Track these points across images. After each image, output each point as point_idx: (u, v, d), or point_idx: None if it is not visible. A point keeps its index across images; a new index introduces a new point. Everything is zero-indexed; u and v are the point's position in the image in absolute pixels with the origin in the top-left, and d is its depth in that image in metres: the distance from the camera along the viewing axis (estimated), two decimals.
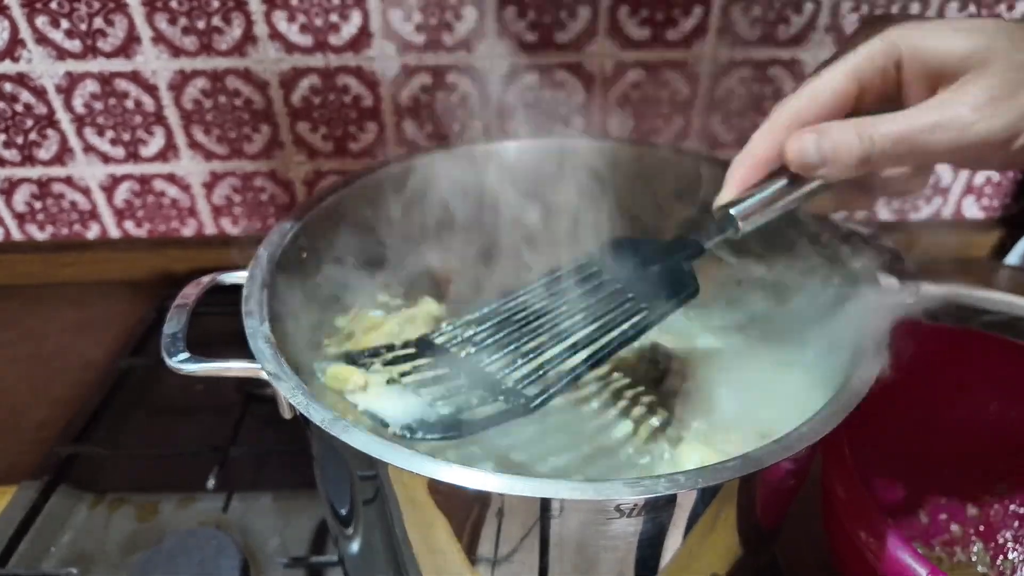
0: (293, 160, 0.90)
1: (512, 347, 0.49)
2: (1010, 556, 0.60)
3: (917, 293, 0.53)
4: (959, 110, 0.39)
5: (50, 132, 0.87)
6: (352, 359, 0.54)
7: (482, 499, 0.39)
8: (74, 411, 0.75)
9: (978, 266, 0.99)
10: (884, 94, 0.44)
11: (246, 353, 0.45)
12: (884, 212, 1.00)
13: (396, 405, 0.48)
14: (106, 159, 0.89)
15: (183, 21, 0.80)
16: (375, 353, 0.54)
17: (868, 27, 0.43)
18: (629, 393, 0.55)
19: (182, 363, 0.45)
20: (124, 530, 0.64)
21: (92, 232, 0.96)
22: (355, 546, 0.51)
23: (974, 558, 0.60)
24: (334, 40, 0.82)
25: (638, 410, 0.53)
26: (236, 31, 0.81)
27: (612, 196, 0.69)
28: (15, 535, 0.62)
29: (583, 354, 0.47)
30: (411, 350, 0.53)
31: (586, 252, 0.57)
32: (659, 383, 0.56)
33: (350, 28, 0.81)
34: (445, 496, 0.40)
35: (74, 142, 0.88)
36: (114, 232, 0.96)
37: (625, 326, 0.48)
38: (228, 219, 0.95)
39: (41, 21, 0.80)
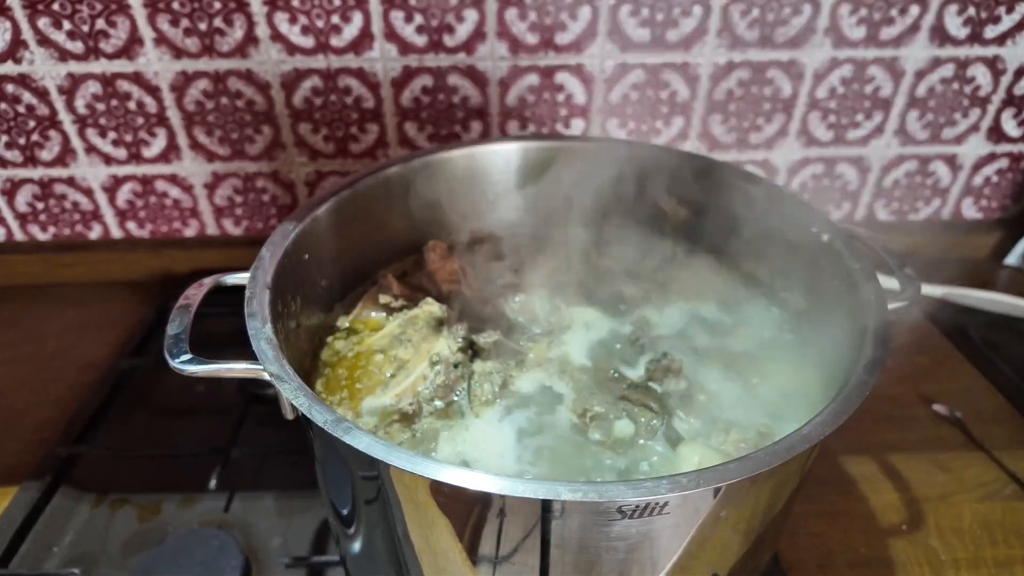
0: (295, 161, 0.91)
1: None
2: None
3: (917, 293, 0.53)
4: None
5: (52, 133, 0.87)
6: None
7: (483, 500, 0.39)
8: (75, 411, 0.75)
9: (977, 266, 1.00)
10: None
11: (248, 354, 0.45)
12: (884, 212, 1.00)
13: None
14: (108, 160, 0.90)
15: (185, 23, 0.80)
16: None
17: None
18: (630, 393, 0.55)
19: (185, 364, 0.45)
20: (126, 530, 0.64)
21: (94, 233, 0.96)
22: (357, 546, 0.51)
23: None
24: (336, 42, 0.82)
25: (639, 410, 0.53)
26: (238, 33, 0.81)
27: (611, 196, 0.70)
28: (17, 535, 0.63)
29: None
30: None
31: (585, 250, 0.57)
32: (659, 383, 0.56)
33: (351, 30, 0.81)
34: (447, 497, 0.40)
35: (76, 143, 0.88)
36: (116, 233, 0.96)
37: None
38: (230, 220, 0.95)
39: (43, 22, 0.80)
